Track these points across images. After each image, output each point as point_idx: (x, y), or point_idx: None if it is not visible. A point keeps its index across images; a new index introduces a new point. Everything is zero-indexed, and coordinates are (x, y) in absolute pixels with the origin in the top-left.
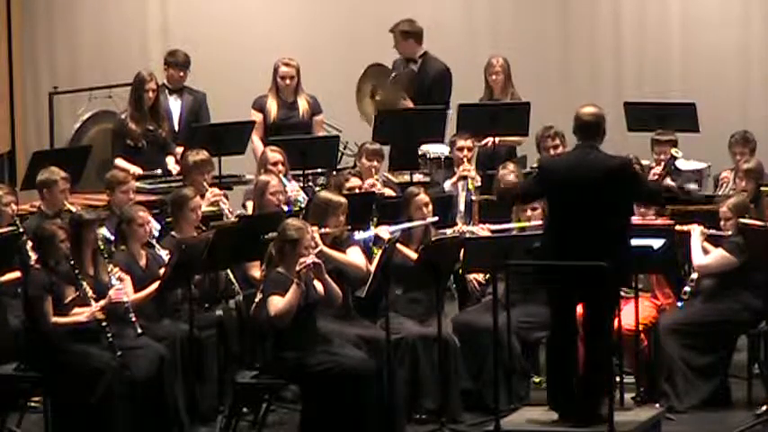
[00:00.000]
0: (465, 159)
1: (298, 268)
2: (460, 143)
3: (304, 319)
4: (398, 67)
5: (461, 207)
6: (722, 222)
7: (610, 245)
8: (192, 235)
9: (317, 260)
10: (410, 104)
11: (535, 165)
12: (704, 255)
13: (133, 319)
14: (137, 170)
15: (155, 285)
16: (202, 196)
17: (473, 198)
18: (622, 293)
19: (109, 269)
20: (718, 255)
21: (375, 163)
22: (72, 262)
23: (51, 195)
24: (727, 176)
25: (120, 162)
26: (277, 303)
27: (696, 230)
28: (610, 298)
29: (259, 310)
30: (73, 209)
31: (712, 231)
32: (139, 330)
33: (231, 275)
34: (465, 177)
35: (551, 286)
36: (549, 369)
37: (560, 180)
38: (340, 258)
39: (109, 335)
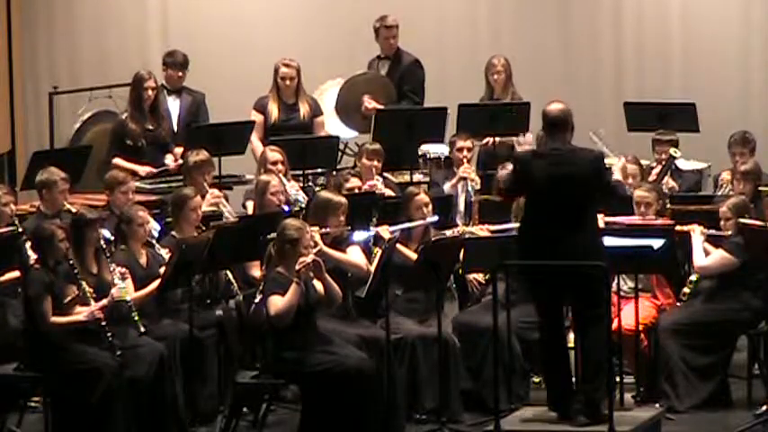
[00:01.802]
0: (465, 160)
1: (297, 267)
2: (460, 143)
3: (304, 319)
4: (375, 66)
5: (461, 207)
6: (722, 222)
7: (585, 235)
8: (193, 235)
9: (317, 259)
10: (373, 102)
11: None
12: (705, 256)
13: (136, 317)
14: (138, 168)
15: (155, 284)
16: (203, 196)
17: (472, 198)
18: (622, 293)
19: (111, 268)
20: (718, 256)
21: (375, 163)
22: (71, 261)
23: (51, 196)
24: (726, 178)
25: (119, 161)
26: (277, 303)
27: (697, 231)
28: (597, 294)
29: (259, 310)
30: (72, 209)
31: (712, 232)
32: (142, 329)
33: (231, 276)
34: (465, 179)
35: (539, 284)
36: (545, 370)
37: (537, 175)
38: (340, 258)
39: (109, 334)
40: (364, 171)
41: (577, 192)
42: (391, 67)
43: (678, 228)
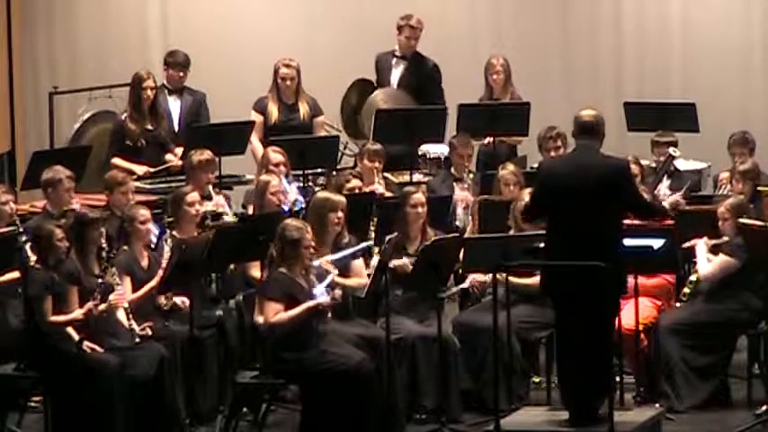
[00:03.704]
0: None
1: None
2: (460, 151)
3: (304, 319)
4: (384, 63)
5: (459, 211)
6: (720, 223)
7: (605, 246)
8: (193, 234)
9: (336, 299)
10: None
11: (535, 165)
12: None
13: (134, 325)
14: (136, 168)
15: (151, 284)
16: (204, 196)
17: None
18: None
19: (112, 271)
20: (720, 261)
21: (377, 164)
22: (105, 252)
23: (56, 194)
24: (726, 178)
25: (118, 161)
26: (280, 316)
27: (701, 244)
28: (608, 300)
29: (260, 311)
30: (77, 207)
31: (716, 241)
32: (137, 340)
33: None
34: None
35: (552, 288)
36: (559, 368)
37: (559, 180)
38: (348, 284)
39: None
40: (366, 173)
41: (594, 199)
42: (408, 68)
43: (686, 245)
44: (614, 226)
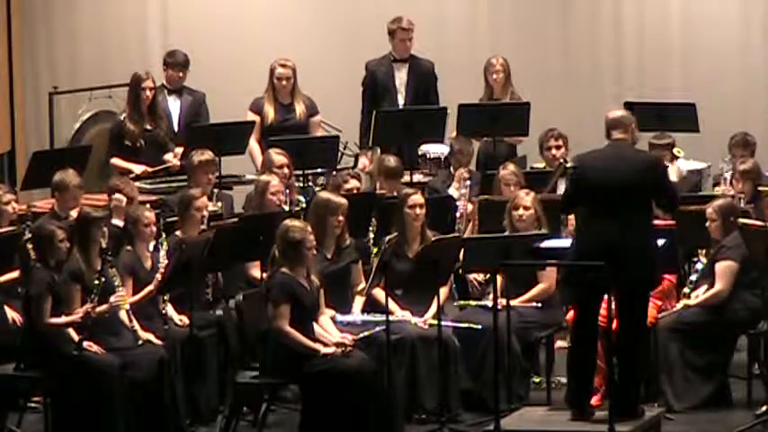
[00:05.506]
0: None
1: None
2: (459, 156)
3: (304, 319)
4: (381, 69)
5: (459, 212)
6: (707, 223)
7: (639, 240)
8: (195, 235)
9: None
10: None
11: (570, 164)
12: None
13: (137, 326)
14: (135, 167)
15: (150, 287)
16: (208, 196)
17: (471, 200)
18: None
19: (111, 272)
20: (722, 272)
21: (394, 180)
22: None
23: (62, 198)
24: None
25: (117, 161)
26: (293, 333)
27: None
28: (641, 294)
29: (269, 314)
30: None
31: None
32: (140, 342)
33: None
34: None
35: (578, 285)
36: (570, 367)
37: (595, 173)
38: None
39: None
40: (388, 190)
41: (630, 192)
42: (410, 71)
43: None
44: (648, 219)
